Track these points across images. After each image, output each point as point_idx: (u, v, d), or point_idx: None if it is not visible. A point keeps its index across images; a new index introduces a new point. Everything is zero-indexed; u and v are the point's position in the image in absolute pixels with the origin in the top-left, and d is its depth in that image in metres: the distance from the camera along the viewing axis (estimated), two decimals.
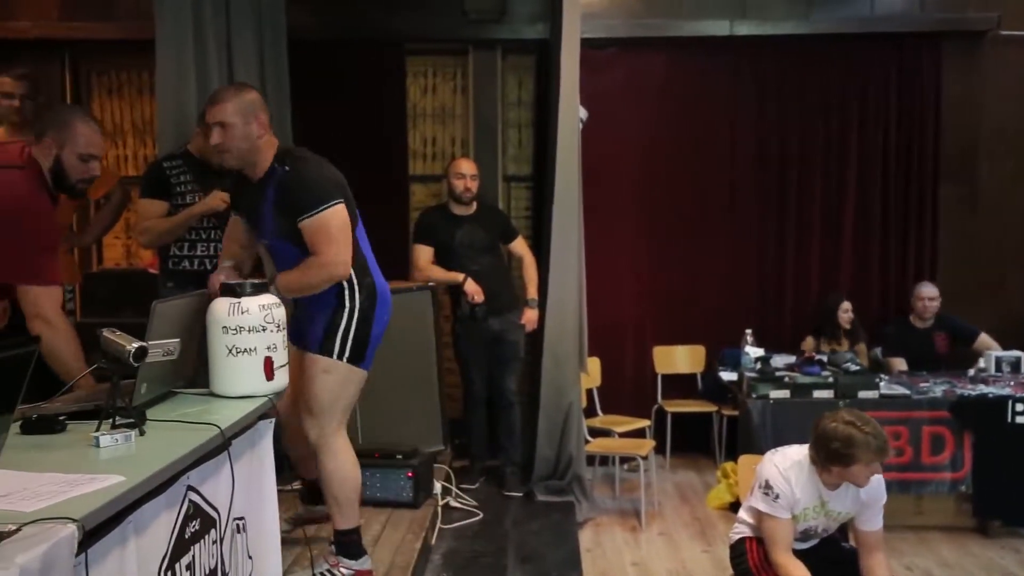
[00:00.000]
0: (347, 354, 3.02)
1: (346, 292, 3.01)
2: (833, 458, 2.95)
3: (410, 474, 4.10)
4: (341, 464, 3.10)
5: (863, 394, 4.76)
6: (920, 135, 5.95)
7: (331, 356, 3.00)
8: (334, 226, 2.91)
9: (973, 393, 4.80)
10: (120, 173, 5.87)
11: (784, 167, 6.00)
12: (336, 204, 2.92)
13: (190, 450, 2.01)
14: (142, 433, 2.08)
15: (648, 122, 5.93)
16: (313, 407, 3.03)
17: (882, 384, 4.87)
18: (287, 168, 2.94)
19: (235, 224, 3.19)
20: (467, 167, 4.96)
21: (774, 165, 6.00)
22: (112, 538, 1.67)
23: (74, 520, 1.46)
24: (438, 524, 4.18)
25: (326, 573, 3.16)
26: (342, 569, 3.17)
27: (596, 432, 5.34)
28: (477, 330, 4.86)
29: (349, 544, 3.18)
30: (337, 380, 3.03)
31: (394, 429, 4.64)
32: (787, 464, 3.07)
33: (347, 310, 3.01)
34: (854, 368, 5.05)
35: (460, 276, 4.81)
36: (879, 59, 5.94)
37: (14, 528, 1.40)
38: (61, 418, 2.16)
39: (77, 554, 1.46)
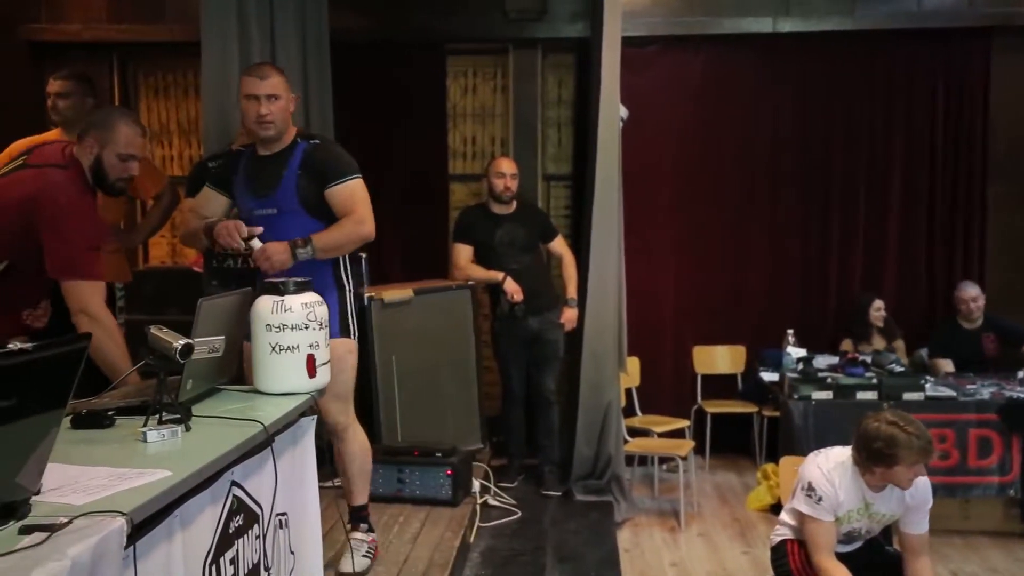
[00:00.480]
0: (356, 332, 3.16)
1: (343, 274, 3.14)
2: (875, 458, 2.91)
3: (449, 472, 4.12)
4: (364, 438, 3.28)
5: (908, 396, 4.68)
6: (968, 132, 5.83)
7: (349, 336, 3.13)
8: (362, 193, 3.08)
9: (1022, 395, 4.69)
10: (167, 173, 5.98)
11: (828, 166, 5.92)
12: (360, 178, 3.08)
13: (234, 446, 2.03)
14: (188, 429, 2.10)
15: (689, 121, 5.89)
16: (342, 391, 3.09)
17: (928, 386, 4.79)
18: (316, 141, 3.11)
19: (208, 199, 3.19)
20: (507, 166, 4.96)
21: (817, 164, 5.93)
22: (159, 532, 1.69)
23: (123, 513, 1.49)
24: (477, 522, 4.19)
25: (368, 553, 3.30)
26: (372, 544, 3.35)
27: (635, 432, 5.32)
28: (516, 329, 4.87)
29: (367, 516, 3.36)
30: (355, 358, 3.18)
31: (433, 427, 4.67)
32: (831, 465, 3.03)
33: (347, 291, 3.15)
34: (899, 369, 4.97)
35: (499, 275, 4.81)
36: (926, 55, 5.83)
37: (66, 520, 1.42)
38: (110, 413, 2.20)
39: (126, 547, 1.49)
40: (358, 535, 3.31)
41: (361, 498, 3.31)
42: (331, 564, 3.23)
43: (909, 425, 2.88)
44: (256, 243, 2.93)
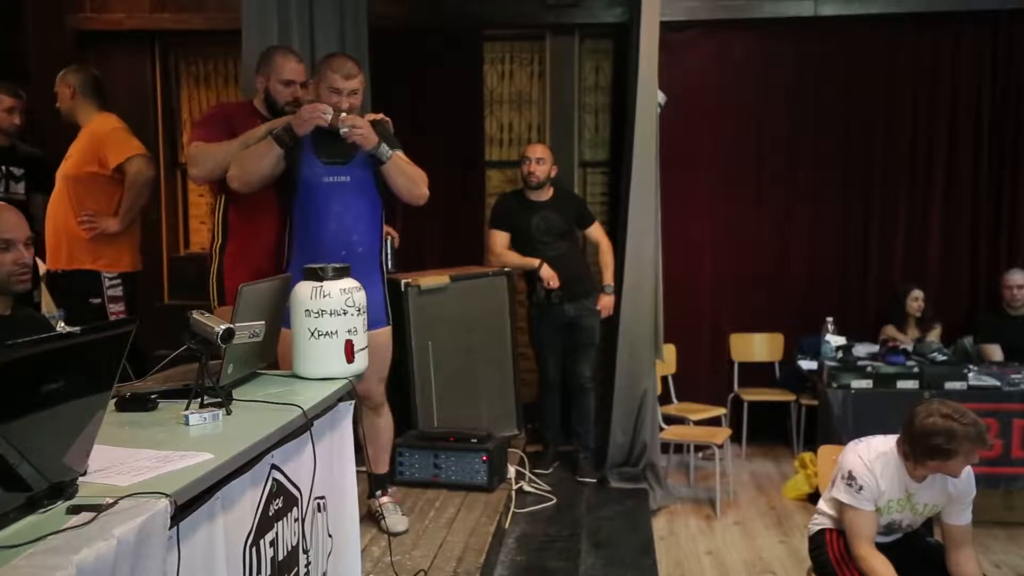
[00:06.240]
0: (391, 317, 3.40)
1: (383, 262, 3.36)
2: (933, 454, 2.85)
3: (484, 458, 4.13)
4: (390, 414, 3.56)
5: (950, 385, 4.61)
6: (1016, 116, 5.71)
7: (390, 323, 3.38)
8: None
9: None
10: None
11: (870, 151, 5.83)
12: None
13: (274, 430, 2.06)
14: (229, 412, 2.13)
15: (729, 106, 5.82)
16: (385, 373, 3.41)
17: (971, 375, 4.71)
18: (374, 118, 3.42)
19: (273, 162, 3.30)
20: (533, 151, 4.90)
21: (859, 149, 5.84)
22: (201, 513, 1.72)
23: (167, 495, 1.52)
24: (512, 508, 4.21)
25: (397, 515, 3.55)
26: (398, 502, 3.71)
27: (671, 419, 5.30)
28: (552, 315, 4.87)
29: (386, 482, 3.67)
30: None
31: (469, 413, 4.69)
32: (872, 455, 2.99)
33: (386, 279, 3.37)
34: (941, 358, 4.89)
35: (536, 261, 4.81)
36: (974, 38, 5.70)
37: (112, 501, 1.45)
38: (153, 396, 2.24)
39: (170, 527, 1.52)
40: (386, 499, 3.60)
41: (386, 466, 3.65)
42: (368, 549, 3.27)
43: (963, 416, 2.82)
44: (344, 115, 3.13)
